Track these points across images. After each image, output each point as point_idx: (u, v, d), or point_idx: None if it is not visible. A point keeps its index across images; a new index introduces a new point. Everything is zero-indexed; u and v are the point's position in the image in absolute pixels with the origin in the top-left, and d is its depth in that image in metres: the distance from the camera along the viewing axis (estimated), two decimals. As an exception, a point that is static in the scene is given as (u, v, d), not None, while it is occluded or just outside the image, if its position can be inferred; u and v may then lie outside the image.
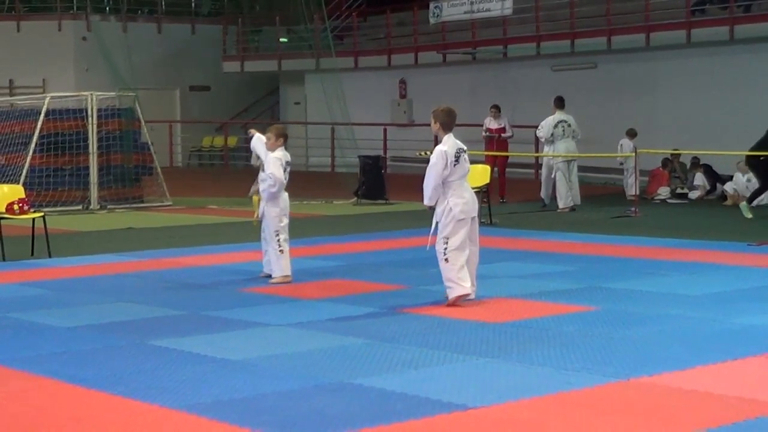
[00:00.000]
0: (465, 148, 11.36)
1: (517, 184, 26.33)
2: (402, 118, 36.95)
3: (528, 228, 19.07)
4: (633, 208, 22.02)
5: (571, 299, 11.34)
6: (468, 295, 11.06)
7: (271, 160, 12.93)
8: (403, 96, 37.66)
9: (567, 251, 15.73)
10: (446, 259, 11.10)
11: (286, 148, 13.16)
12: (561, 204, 22.87)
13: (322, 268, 14.03)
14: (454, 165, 11.17)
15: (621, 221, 20.49)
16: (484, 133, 24.97)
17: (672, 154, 26.32)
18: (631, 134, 25.59)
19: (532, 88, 31.82)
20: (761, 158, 20.78)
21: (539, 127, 23.52)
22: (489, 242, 14.90)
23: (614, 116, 29.11)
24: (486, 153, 24.39)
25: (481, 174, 19.04)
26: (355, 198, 25.38)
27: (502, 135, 24.94)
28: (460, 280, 11.04)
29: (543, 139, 23.44)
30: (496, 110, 25.10)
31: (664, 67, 30.22)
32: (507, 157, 25.00)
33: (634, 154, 23.84)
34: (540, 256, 15.08)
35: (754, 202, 21.26)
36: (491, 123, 25.10)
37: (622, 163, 26.15)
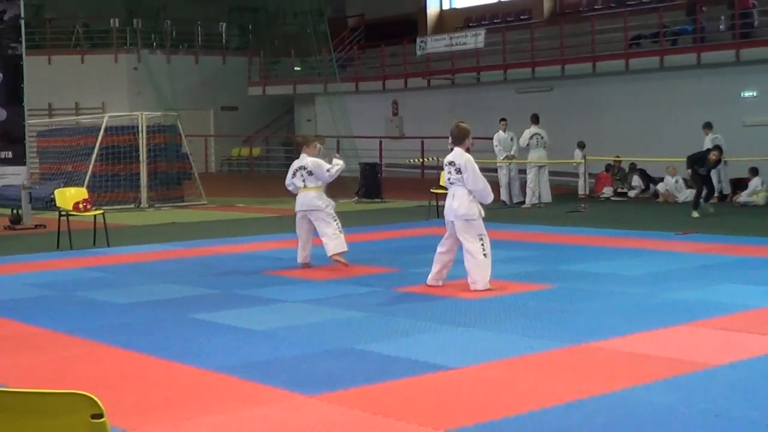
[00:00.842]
0: (454, 161, 10.77)
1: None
2: (394, 132, 36.84)
3: (498, 221, 19.01)
4: (583, 205, 21.95)
5: (533, 279, 11.21)
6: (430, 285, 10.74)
7: None
8: (395, 114, 37.57)
9: (530, 240, 15.67)
10: None
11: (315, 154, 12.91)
12: (527, 201, 22.96)
13: (329, 255, 13.99)
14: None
15: (574, 215, 20.43)
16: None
17: (614, 161, 26.21)
18: (581, 145, 25.62)
19: (500, 108, 31.75)
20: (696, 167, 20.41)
21: (495, 141, 23.52)
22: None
23: (568, 130, 29.03)
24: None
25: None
26: (356, 197, 25.33)
27: None
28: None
29: (499, 149, 23.32)
30: None
31: (608, 90, 30.18)
32: None
33: (583, 160, 23.85)
34: (507, 244, 14.98)
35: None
36: None
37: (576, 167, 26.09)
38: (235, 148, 41.87)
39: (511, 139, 23.46)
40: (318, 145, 13.06)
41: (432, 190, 19.68)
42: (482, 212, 10.59)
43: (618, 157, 26.17)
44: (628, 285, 10.68)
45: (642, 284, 10.74)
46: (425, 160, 29.65)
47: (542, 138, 23.21)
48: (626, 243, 14.90)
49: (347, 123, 30.79)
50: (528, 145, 23.18)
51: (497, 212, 21.28)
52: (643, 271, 11.73)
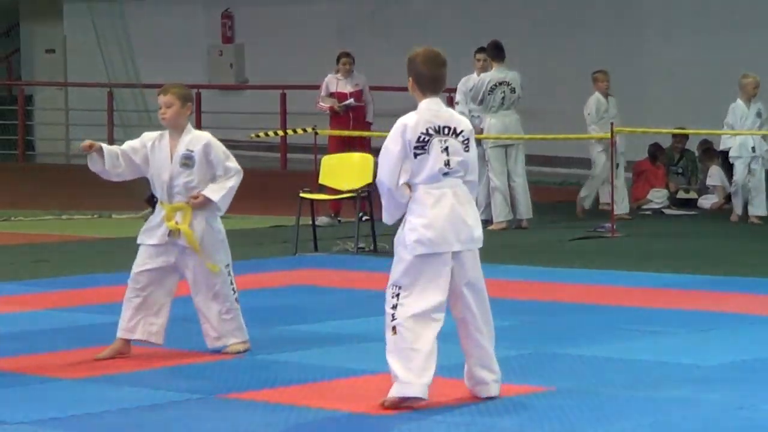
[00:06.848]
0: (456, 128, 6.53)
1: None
2: (226, 78, 22.34)
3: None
4: (608, 224, 13.34)
5: (510, 375, 7.00)
6: (419, 399, 6.18)
7: None
8: (228, 39, 22.49)
9: (503, 295, 9.31)
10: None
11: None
12: (497, 217, 13.91)
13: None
14: None
15: (588, 245, 12.75)
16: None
17: (676, 136, 15.64)
18: (601, 81, 14.55)
19: (435, 22, 19.20)
20: None
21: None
22: (375, 281, 9.24)
23: (571, 75, 17.02)
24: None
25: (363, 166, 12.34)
26: (150, 208, 14.33)
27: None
28: (408, 371, 6.22)
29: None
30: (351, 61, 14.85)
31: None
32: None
33: (610, 135, 13.60)
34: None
35: None
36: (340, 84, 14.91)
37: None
38: None
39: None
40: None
41: (303, 195, 12.05)
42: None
43: (682, 128, 15.63)
44: (696, 385, 6.89)
45: (725, 384, 6.92)
46: (289, 133, 16.75)
47: (512, 91, 13.77)
48: (693, 301, 9.53)
49: (129, 58, 18.39)
50: (483, 101, 13.81)
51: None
52: (727, 358, 7.50)
